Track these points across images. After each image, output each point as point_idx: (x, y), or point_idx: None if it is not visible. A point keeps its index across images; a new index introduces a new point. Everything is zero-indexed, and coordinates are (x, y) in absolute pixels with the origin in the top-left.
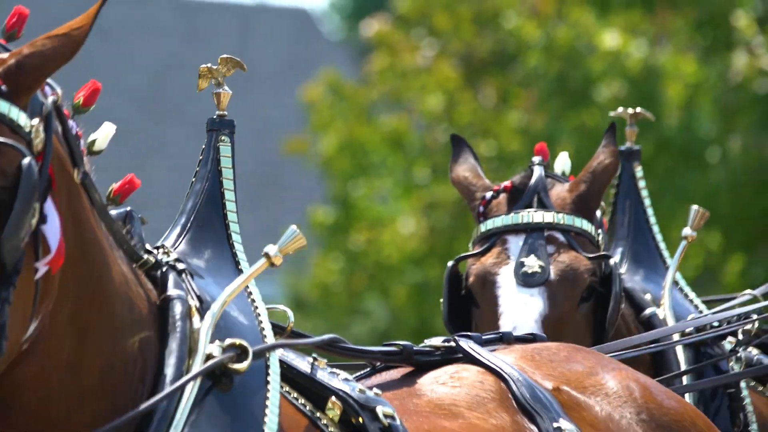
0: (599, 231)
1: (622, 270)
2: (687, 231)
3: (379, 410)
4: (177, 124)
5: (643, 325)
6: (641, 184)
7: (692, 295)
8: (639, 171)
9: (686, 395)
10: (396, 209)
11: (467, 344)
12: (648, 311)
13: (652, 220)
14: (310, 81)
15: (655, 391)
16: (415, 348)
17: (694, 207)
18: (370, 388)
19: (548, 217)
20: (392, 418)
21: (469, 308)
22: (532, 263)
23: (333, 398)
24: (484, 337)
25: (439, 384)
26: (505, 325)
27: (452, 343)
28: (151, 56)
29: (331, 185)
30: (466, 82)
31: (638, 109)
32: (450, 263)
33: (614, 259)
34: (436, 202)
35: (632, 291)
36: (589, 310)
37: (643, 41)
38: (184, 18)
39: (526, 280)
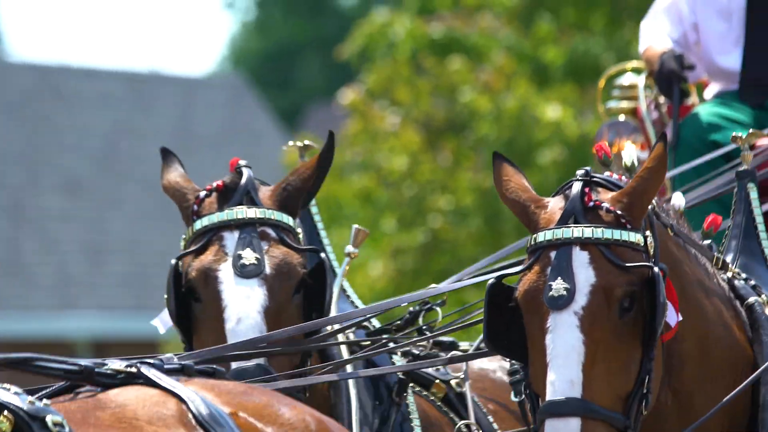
0: (299, 228)
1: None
2: (349, 248)
3: (49, 419)
4: (130, 181)
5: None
6: (317, 217)
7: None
8: (315, 208)
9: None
10: (365, 255)
11: (149, 371)
12: None
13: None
14: (246, 145)
15: (331, 426)
16: (96, 370)
17: (355, 226)
18: (41, 399)
19: (260, 213)
20: (61, 426)
21: (189, 304)
22: (249, 256)
23: (5, 412)
24: (166, 367)
25: (121, 401)
26: (229, 317)
27: (134, 369)
28: (106, 121)
29: None
30: (427, 145)
31: (306, 142)
32: (173, 261)
33: (324, 254)
34: (401, 248)
35: None
36: (300, 301)
37: (577, 112)
38: (134, 88)
39: (244, 272)
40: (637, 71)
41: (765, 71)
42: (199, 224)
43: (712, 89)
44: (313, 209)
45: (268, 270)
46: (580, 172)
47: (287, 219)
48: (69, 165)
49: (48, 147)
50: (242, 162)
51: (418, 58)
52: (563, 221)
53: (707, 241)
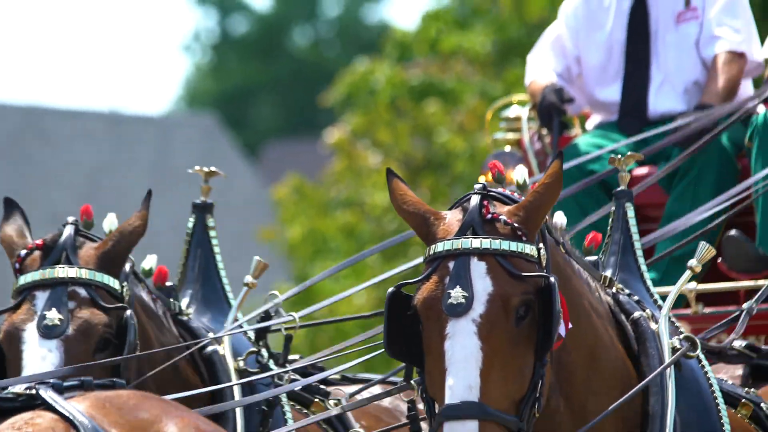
0: (125, 284)
1: (191, 310)
2: (248, 279)
3: None
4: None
5: (204, 361)
6: (212, 233)
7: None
8: (211, 222)
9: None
10: (349, 285)
11: (46, 392)
12: (209, 348)
13: (221, 266)
14: (219, 180)
15: None
16: None
17: (255, 258)
18: None
19: (72, 272)
20: None
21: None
22: (53, 316)
23: None
24: (65, 384)
25: (15, 429)
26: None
27: (33, 391)
28: (86, 158)
29: (295, 266)
30: (407, 182)
31: (212, 168)
32: None
33: (129, 312)
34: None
35: (197, 330)
36: (107, 358)
37: None
38: (112, 127)
39: (46, 332)
40: (522, 104)
41: (642, 103)
42: (18, 282)
43: (593, 120)
44: (214, 242)
45: (69, 330)
46: (477, 185)
47: (101, 277)
48: (54, 200)
49: (34, 183)
50: (69, 219)
51: (398, 102)
52: (462, 232)
53: (593, 258)
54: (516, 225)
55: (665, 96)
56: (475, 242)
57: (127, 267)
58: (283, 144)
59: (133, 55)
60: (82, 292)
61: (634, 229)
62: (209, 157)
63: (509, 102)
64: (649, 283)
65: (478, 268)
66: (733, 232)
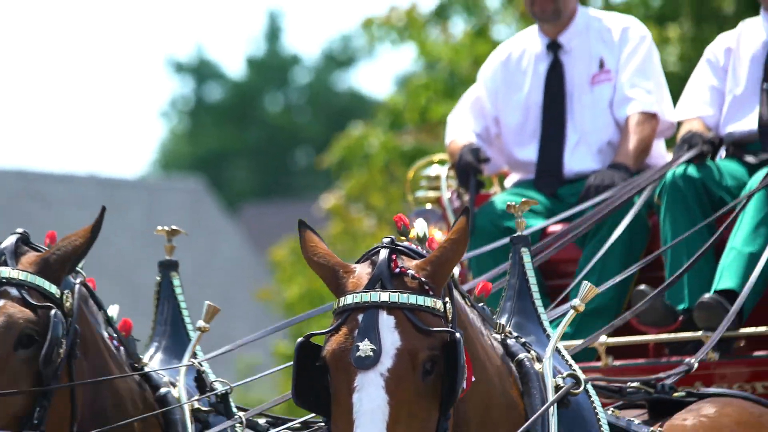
0: (66, 292)
1: (157, 358)
2: (200, 323)
3: None
4: (104, 275)
5: (158, 401)
6: (178, 290)
7: None
8: (176, 279)
9: None
10: None
11: None
12: (163, 390)
13: (187, 319)
14: (207, 240)
15: None
16: None
17: (207, 302)
18: None
19: (4, 272)
20: None
21: None
22: None
23: None
24: None
25: None
26: None
27: None
28: (80, 220)
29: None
30: None
31: (173, 227)
32: None
33: (54, 310)
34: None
35: (151, 374)
36: (28, 355)
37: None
38: (105, 191)
39: None
40: (442, 163)
41: (558, 162)
42: None
43: (512, 179)
44: (180, 298)
45: None
46: (385, 239)
47: (34, 278)
48: None
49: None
50: (18, 230)
51: (391, 167)
52: (371, 285)
53: (480, 305)
54: (423, 279)
55: (580, 155)
56: (384, 296)
57: (101, 314)
58: (258, 205)
59: (113, 121)
60: (13, 290)
61: (530, 273)
62: (196, 218)
63: (431, 161)
64: (546, 324)
65: (386, 322)
66: (642, 286)
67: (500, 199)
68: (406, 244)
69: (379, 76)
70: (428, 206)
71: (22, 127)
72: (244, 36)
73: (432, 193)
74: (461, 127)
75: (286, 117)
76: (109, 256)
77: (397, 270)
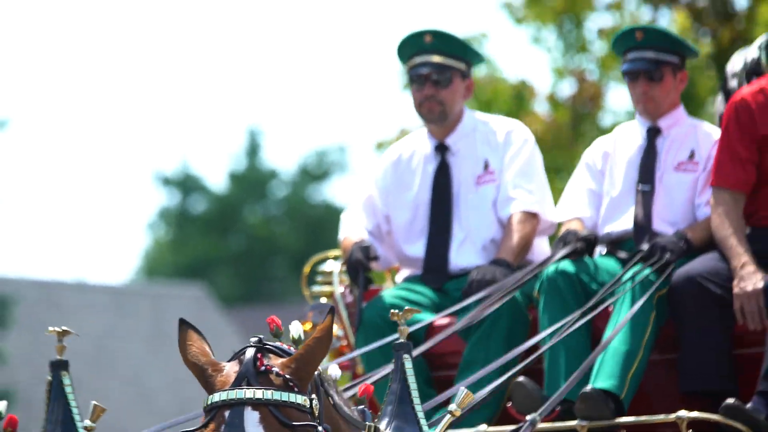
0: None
1: None
2: (86, 422)
3: None
4: (116, 377)
5: None
6: (68, 389)
7: None
8: (66, 378)
9: None
10: None
11: None
12: None
13: (77, 417)
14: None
15: None
16: None
17: (93, 402)
18: None
19: None
20: None
21: None
22: None
23: None
24: None
25: None
26: None
27: None
28: (93, 327)
29: None
30: None
31: (64, 327)
32: None
33: None
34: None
35: None
36: None
37: None
38: (116, 299)
39: None
40: (337, 258)
41: (445, 259)
42: None
43: (402, 274)
44: (70, 397)
45: None
46: (253, 339)
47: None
48: None
49: (49, 349)
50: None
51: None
52: (237, 383)
53: (361, 407)
54: (288, 377)
55: (466, 252)
56: (249, 393)
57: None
58: (239, 311)
59: (102, 230)
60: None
61: (411, 380)
62: (199, 323)
63: (326, 257)
64: (426, 429)
65: (251, 418)
66: (521, 378)
67: (389, 293)
68: (276, 343)
69: (352, 189)
70: (323, 300)
71: (22, 236)
72: (226, 152)
73: (327, 288)
74: (354, 225)
75: (265, 227)
76: (120, 359)
77: (263, 368)
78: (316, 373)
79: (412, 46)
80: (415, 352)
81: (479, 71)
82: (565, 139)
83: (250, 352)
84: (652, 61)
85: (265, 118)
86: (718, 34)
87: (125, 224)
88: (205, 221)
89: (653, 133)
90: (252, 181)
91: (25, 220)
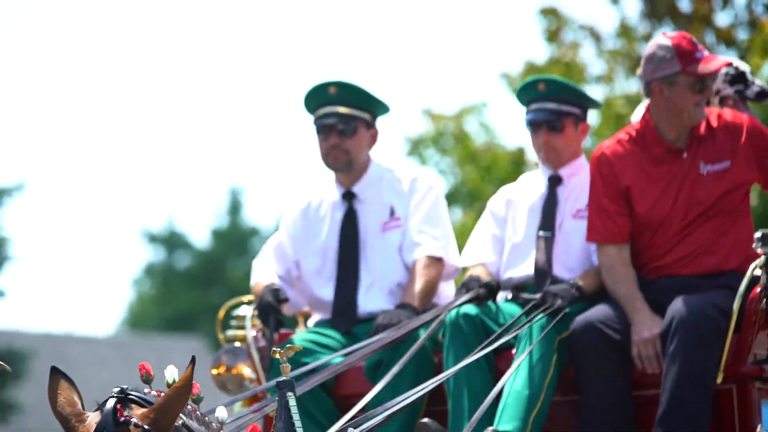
0: None
1: None
2: None
3: None
4: None
5: None
6: None
7: None
8: None
9: None
10: None
11: None
12: None
13: None
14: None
15: None
16: None
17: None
18: None
19: None
20: None
21: None
22: None
23: None
24: None
25: None
26: None
27: None
28: (97, 378)
29: None
30: None
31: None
32: None
33: None
34: None
35: None
36: None
37: None
38: (121, 352)
39: None
40: (250, 303)
41: (353, 303)
42: None
43: (314, 318)
44: None
45: None
46: (115, 389)
47: None
48: None
49: None
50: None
51: None
52: None
53: None
54: (146, 427)
55: (373, 296)
56: None
57: None
58: None
59: (89, 284)
60: None
61: (296, 417)
62: (196, 371)
63: (240, 301)
64: None
65: None
66: (425, 420)
67: (299, 337)
68: (141, 392)
69: None
70: (237, 344)
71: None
72: (209, 210)
73: (240, 332)
74: (265, 270)
75: (247, 282)
76: None
77: (122, 419)
78: (181, 421)
79: (317, 98)
80: (300, 390)
81: (479, 139)
82: None
83: (110, 403)
84: (553, 112)
85: (246, 178)
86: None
87: (111, 279)
88: (190, 276)
89: (554, 181)
90: (234, 237)
91: (20, 274)
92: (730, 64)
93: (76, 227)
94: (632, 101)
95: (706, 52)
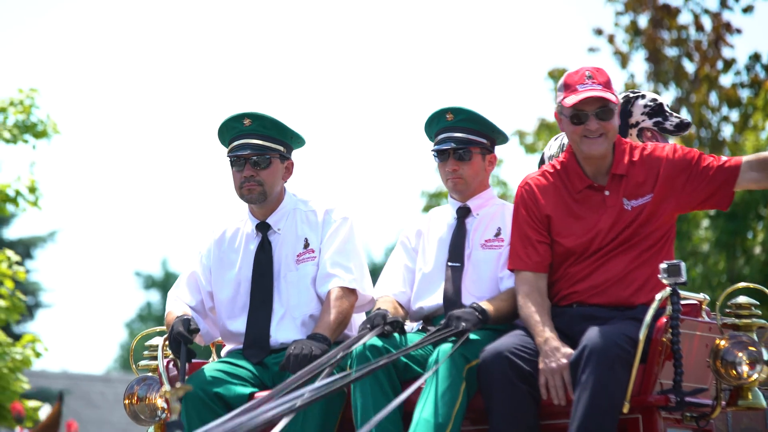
0: None
1: None
2: None
3: None
4: None
5: None
6: None
7: None
8: None
9: None
10: None
11: None
12: None
13: None
14: None
15: None
16: None
17: None
18: None
19: None
20: None
21: None
22: None
23: None
24: None
25: None
26: None
27: None
28: (120, 417)
29: None
30: None
31: None
32: None
33: None
34: None
35: None
36: None
37: None
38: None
39: None
40: (162, 333)
41: (265, 334)
42: None
43: (227, 348)
44: None
45: None
46: None
47: None
48: None
49: None
50: None
51: None
52: None
53: None
54: None
55: (285, 327)
56: None
57: None
58: None
59: (86, 324)
60: None
61: None
62: None
63: (154, 331)
64: None
65: None
66: None
67: (210, 367)
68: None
69: None
70: (150, 374)
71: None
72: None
73: (153, 362)
74: (178, 301)
75: None
76: None
77: None
78: None
79: (231, 130)
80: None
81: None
82: None
83: None
84: (461, 141)
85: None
86: None
87: (106, 320)
88: None
89: (463, 212)
90: None
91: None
92: (600, 98)
93: (72, 270)
94: None
95: (592, 84)
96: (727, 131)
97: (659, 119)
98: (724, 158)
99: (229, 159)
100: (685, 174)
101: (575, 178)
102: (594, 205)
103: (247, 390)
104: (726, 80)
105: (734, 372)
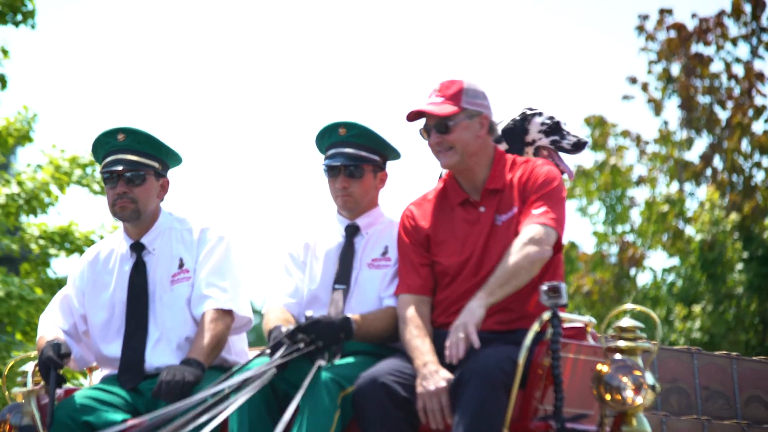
0: None
1: None
2: None
3: None
4: None
5: None
6: None
7: None
8: None
9: None
10: None
11: None
12: None
13: None
14: None
15: None
16: None
17: None
18: None
19: None
20: None
21: None
22: None
23: None
24: None
25: None
26: None
27: None
28: None
29: None
30: None
31: None
32: None
33: None
34: None
35: None
36: None
37: None
38: None
39: None
40: (34, 358)
41: (140, 358)
42: None
43: (102, 373)
44: None
45: None
46: None
47: None
48: None
49: None
50: None
51: None
52: None
53: None
54: None
55: (161, 352)
56: None
57: None
58: None
59: None
60: None
61: None
62: None
63: (28, 357)
64: None
65: None
66: None
67: (81, 394)
68: None
69: None
70: (22, 401)
71: None
72: None
73: (25, 389)
74: (50, 325)
75: None
76: None
77: None
78: None
79: (105, 146)
80: None
81: None
82: (607, 294)
83: None
84: (352, 157)
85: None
86: (742, 206)
87: None
88: None
89: (352, 231)
90: None
91: None
92: (425, 113)
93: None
94: (672, 201)
95: (434, 97)
96: (759, 177)
97: (556, 137)
98: (536, 212)
99: (102, 175)
100: (526, 197)
101: (452, 193)
102: (470, 222)
103: (119, 417)
104: (758, 127)
105: (619, 397)
